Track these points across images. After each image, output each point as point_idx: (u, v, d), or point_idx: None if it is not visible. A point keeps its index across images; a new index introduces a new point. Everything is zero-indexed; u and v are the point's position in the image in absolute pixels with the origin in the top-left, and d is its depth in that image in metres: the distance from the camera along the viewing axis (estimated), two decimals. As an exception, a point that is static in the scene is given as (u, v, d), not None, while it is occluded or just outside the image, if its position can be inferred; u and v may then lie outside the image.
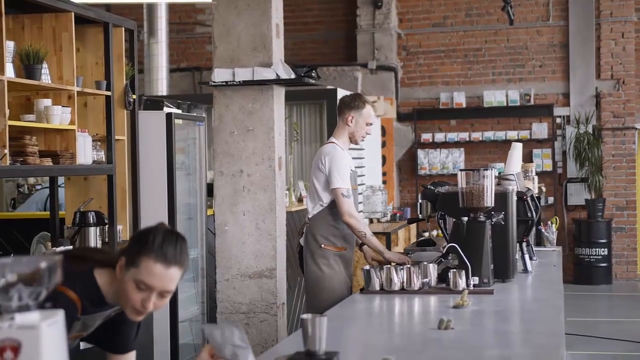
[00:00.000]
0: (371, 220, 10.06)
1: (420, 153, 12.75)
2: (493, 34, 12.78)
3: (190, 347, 6.67)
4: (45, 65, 4.99)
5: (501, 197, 4.54)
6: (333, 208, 5.07)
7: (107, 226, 5.58)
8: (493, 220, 4.44)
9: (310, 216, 5.17)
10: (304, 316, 2.70)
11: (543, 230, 6.40)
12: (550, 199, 12.35)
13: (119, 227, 5.72)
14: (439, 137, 12.73)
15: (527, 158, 12.09)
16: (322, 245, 5.10)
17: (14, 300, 1.78)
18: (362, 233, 5.05)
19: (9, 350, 1.73)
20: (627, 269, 12.39)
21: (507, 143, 12.34)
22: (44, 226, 5.91)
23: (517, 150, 5.49)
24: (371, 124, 5.27)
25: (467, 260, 4.25)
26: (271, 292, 5.60)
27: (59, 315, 1.81)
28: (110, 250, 2.59)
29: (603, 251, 12.00)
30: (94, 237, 5.46)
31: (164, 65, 10.45)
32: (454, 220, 4.51)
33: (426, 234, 11.42)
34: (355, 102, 5.22)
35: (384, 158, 12.28)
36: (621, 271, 12.36)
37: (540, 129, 12.46)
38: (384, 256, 5.11)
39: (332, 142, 5.20)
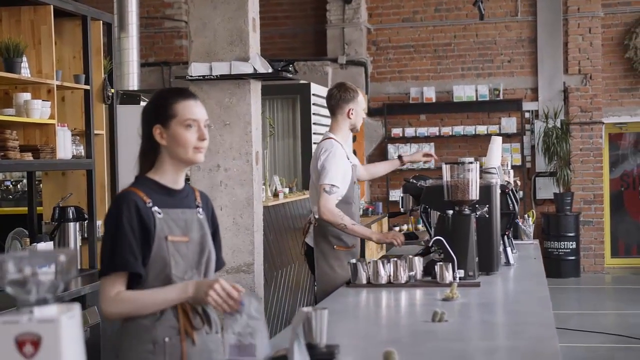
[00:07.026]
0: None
1: (391, 148, 12.79)
2: (462, 29, 12.85)
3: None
4: (25, 58, 4.92)
5: (485, 190, 4.56)
6: (339, 206, 5.02)
7: (86, 221, 5.53)
8: (478, 213, 4.46)
9: (317, 216, 5.06)
10: (305, 309, 2.70)
11: (520, 224, 6.45)
12: (520, 193, 12.44)
13: (99, 222, 5.66)
14: (409, 131, 12.77)
15: (497, 152, 12.17)
16: (335, 247, 5.07)
17: (32, 293, 1.76)
18: (342, 225, 4.95)
19: (29, 344, 1.71)
20: (594, 262, 12.54)
21: (477, 138, 12.46)
22: (21, 222, 5.82)
23: (496, 143, 5.52)
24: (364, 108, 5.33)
25: (452, 253, 4.27)
26: (249, 287, 5.58)
27: (77, 309, 1.79)
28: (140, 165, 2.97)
29: (571, 244, 12.13)
30: (74, 233, 5.40)
31: (135, 60, 10.35)
32: (439, 213, 4.52)
33: (397, 229, 11.46)
34: (350, 94, 5.18)
35: (354, 153, 12.27)
36: (589, 264, 12.50)
37: (509, 124, 12.55)
38: (373, 240, 5.13)
39: (331, 139, 5.15)
